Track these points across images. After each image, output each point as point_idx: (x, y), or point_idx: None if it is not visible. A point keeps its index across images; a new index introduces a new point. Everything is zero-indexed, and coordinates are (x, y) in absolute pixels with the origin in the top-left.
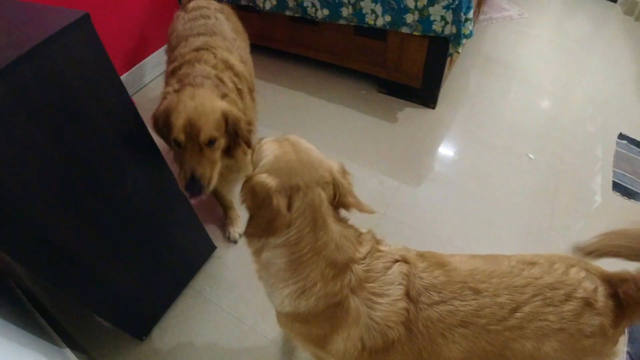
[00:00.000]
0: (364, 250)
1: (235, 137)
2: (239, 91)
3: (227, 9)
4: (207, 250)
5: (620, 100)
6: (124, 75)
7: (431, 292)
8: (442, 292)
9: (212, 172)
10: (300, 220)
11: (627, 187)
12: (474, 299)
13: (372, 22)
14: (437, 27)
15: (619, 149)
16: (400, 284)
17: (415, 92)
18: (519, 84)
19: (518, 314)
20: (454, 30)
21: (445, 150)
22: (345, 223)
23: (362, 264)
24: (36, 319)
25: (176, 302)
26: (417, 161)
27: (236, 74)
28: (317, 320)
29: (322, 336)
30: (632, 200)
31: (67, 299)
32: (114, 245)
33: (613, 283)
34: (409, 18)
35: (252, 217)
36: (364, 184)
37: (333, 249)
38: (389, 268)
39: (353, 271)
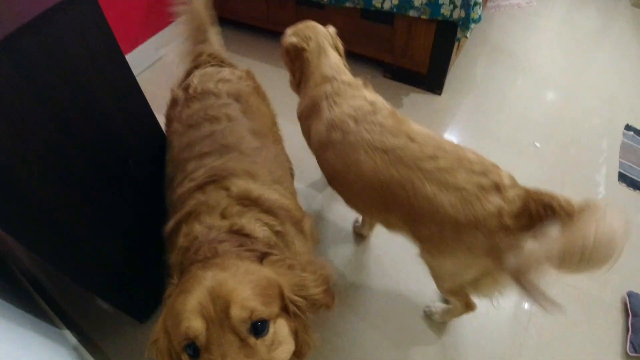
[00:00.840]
0: (346, 78)
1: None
2: (279, 235)
3: (246, 88)
4: None
5: (627, 93)
6: (129, 54)
7: (375, 125)
8: (383, 129)
9: None
10: (314, 53)
11: (633, 179)
12: (405, 141)
13: (379, 5)
14: (445, 10)
15: (626, 140)
16: (357, 108)
17: (422, 78)
18: (526, 74)
19: (433, 162)
20: (463, 15)
21: (451, 136)
22: (342, 57)
23: (340, 83)
24: (35, 300)
25: None
26: None
27: (266, 211)
28: (308, 115)
29: (307, 127)
30: (638, 191)
31: (68, 282)
32: (116, 226)
33: (531, 195)
34: (417, 1)
35: (292, 71)
36: None
37: (327, 67)
38: (355, 97)
39: (332, 85)
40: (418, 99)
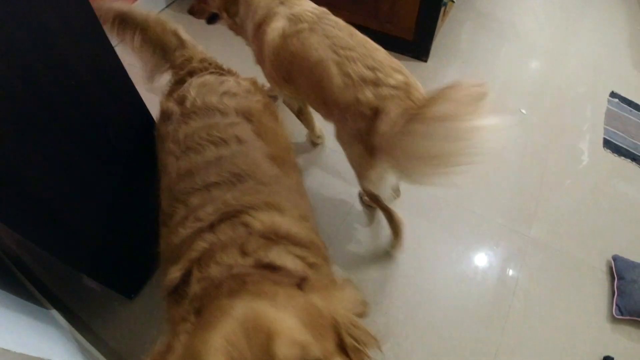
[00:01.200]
0: None
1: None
2: (314, 267)
3: (257, 105)
4: None
5: (612, 60)
6: None
7: (330, 21)
8: (336, 24)
9: None
10: None
11: (617, 145)
12: (344, 34)
13: None
14: None
15: (611, 107)
16: (315, 8)
17: (408, 44)
18: (512, 41)
19: (349, 52)
20: None
21: None
22: None
23: None
24: (21, 282)
25: None
26: None
27: (297, 244)
28: (258, 30)
29: (260, 42)
30: (622, 157)
31: (53, 262)
32: (98, 199)
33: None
34: None
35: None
36: None
37: None
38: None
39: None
40: (404, 65)
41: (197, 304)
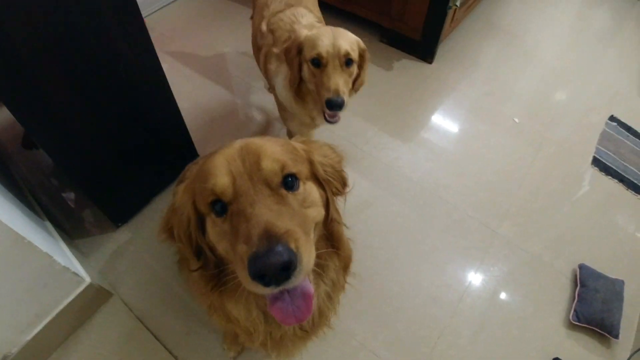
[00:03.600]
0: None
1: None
2: None
3: None
4: (190, 156)
5: (617, 87)
6: None
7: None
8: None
9: (305, 233)
10: None
11: (606, 164)
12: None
13: None
14: None
15: (607, 129)
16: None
17: (415, 44)
18: (520, 55)
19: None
20: None
21: (434, 103)
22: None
23: None
24: (25, 194)
25: (155, 199)
26: (403, 109)
27: None
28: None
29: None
30: (609, 177)
31: (55, 178)
32: (104, 122)
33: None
34: None
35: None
36: (349, 120)
37: None
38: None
39: None
40: (409, 64)
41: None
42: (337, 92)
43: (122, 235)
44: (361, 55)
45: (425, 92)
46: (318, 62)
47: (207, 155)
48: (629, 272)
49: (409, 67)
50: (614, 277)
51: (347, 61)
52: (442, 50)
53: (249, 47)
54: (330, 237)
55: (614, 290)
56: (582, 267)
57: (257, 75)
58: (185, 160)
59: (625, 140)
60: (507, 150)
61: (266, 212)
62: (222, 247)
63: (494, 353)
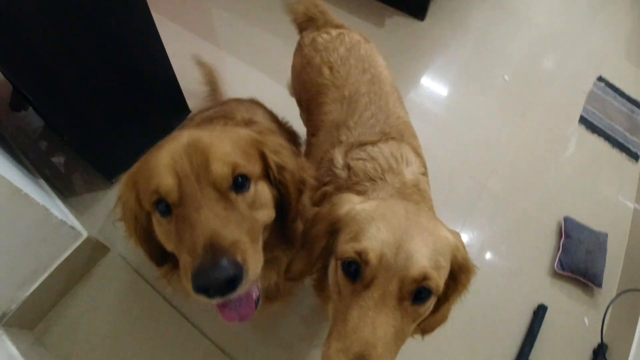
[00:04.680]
0: None
1: (286, 192)
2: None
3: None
4: (182, 111)
5: (606, 51)
6: None
7: None
8: None
9: (253, 244)
10: None
11: (592, 123)
12: None
13: None
14: None
15: (595, 90)
16: None
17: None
18: (513, 16)
19: None
20: None
21: (425, 62)
22: None
23: None
24: (16, 153)
25: None
26: (395, 67)
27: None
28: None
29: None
30: (595, 135)
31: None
32: (95, 78)
33: None
34: None
35: None
36: None
37: None
38: None
39: None
40: (401, 22)
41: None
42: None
43: (116, 192)
44: (454, 274)
45: (417, 50)
46: (356, 271)
47: (155, 147)
48: (612, 226)
49: (401, 25)
50: (598, 230)
51: (419, 292)
52: (434, 8)
53: (236, 4)
54: (287, 234)
55: (598, 242)
56: (566, 219)
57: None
58: (178, 115)
59: (612, 101)
60: (496, 108)
61: (212, 219)
62: (169, 247)
63: (481, 301)
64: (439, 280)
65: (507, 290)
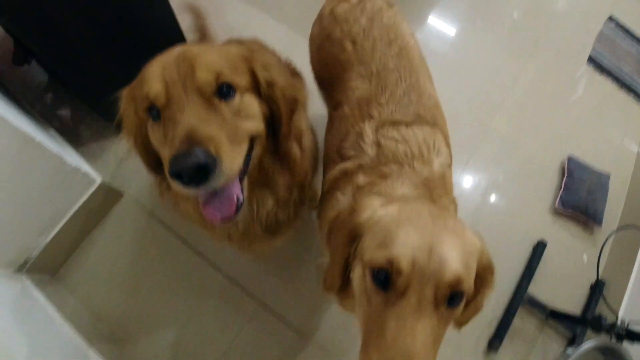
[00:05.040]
0: None
1: (277, 109)
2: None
3: None
4: None
5: None
6: None
7: None
8: None
9: (232, 144)
10: None
11: (601, 64)
12: None
13: None
14: None
15: (605, 31)
16: None
17: None
18: None
19: None
20: None
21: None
22: None
23: None
24: (24, 106)
25: None
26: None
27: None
28: None
29: None
30: (604, 75)
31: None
32: (97, 25)
33: None
34: None
35: None
36: None
37: None
38: None
39: None
40: None
41: None
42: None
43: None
44: (481, 276)
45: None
46: (386, 279)
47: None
48: (615, 167)
49: None
50: (600, 170)
51: (453, 296)
52: None
53: None
54: (283, 156)
55: (600, 181)
56: (570, 158)
57: None
58: None
59: (622, 42)
60: (504, 46)
61: (193, 118)
62: (162, 153)
63: (484, 237)
64: (471, 283)
65: (509, 226)
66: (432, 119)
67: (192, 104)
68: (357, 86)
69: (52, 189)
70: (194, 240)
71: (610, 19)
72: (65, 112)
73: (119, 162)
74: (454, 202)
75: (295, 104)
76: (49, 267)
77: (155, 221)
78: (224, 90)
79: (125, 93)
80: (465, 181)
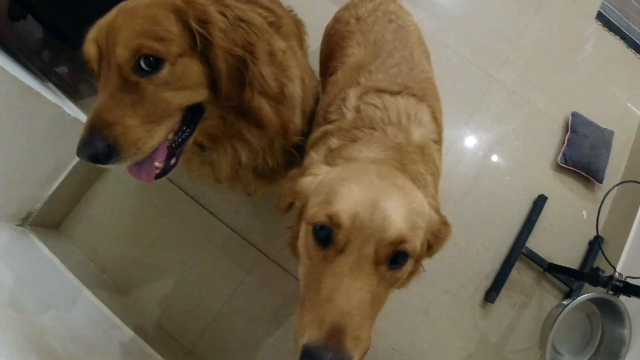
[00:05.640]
0: None
1: (216, 71)
2: (273, 25)
3: None
4: None
5: None
6: None
7: None
8: None
9: (151, 121)
10: None
11: (610, 20)
12: None
13: None
14: None
15: None
16: None
17: None
18: None
19: None
20: None
21: None
22: None
23: None
24: (22, 61)
25: None
26: None
27: (263, 7)
28: None
29: None
30: (612, 33)
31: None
32: None
33: None
34: None
35: None
36: None
37: None
38: None
39: None
40: None
41: None
42: (339, 334)
43: None
44: (433, 237)
45: None
46: (327, 236)
47: None
48: (620, 125)
49: None
50: (604, 127)
51: (398, 256)
52: None
53: None
54: (247, 111)
55: (603, 138)
56: (574, 114)
57: None
58: None
59: (632, 0)
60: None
61: (103, 101)
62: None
63: (484, 190)
64: (416, 243)
65: (510, 180)
66: (420, 93)
67: (108, 85)
68: (354, 52)
69: (53, 140)
70: (196, 191)
71: None
72: (62, 69)
73: None
74: (433, 173)
75: (252, 54)
76: (52, 219)
77: None
78: (150, 62)
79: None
80: (469, 134)
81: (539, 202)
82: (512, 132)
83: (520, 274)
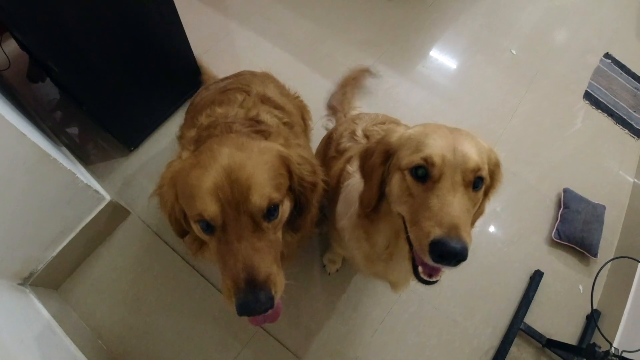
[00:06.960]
0: None
1: (303, 197)
2: (287, 125)
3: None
4: (196, 83)
5: (616, 27)
6: None
7: None
8: None
9: (278, 266)
10: None
11: (597, 98)
12: None
13: None
14: None
15: (601, 66)
16: None
17: None
18: None
19: None
20: None
21: (433, 34)
22: None
23: None
24: (38, 123)
25: (165, 124)
26: (403, 37)
27: (277, 107)
28: None
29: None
30: (599, 111)
31: (60, 111)
32: (115, 50)
33: None
34: None
35: None
36: (347, 48)
37: None
38: None
39: None
40: None
41: (197, 144)
42: (456, 229)
43: (134, 159)
44: (492, 173)
45: (425, 22)
46: (425, 173)
47: (196, 159)
48: (611, 200)
49: None
50: (596, 202)
51: (477, 181)
52: None
53: None
54: (297, 225)
55: (595, 213)
56: (566, 190)
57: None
58: (193, 87)
59: (618, 78)
60: (502, 80)
61: (250, 253)
62: (219, 265)
63: (481, 266)
64: (486, 171)
65: (506, 256)
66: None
67: (247, 232)
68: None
69: (63, 204)
70: (197, 260)
71: (607, 55)
72: (73, 130)
73: (126, 182)
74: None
75: (315, 188)
76: (53, 280)
77: (159, 240)
78: (271, 210)
79: (166, 176)
80: None
81: (536, 278)
82: (506, 208)
83: (520, 351)
